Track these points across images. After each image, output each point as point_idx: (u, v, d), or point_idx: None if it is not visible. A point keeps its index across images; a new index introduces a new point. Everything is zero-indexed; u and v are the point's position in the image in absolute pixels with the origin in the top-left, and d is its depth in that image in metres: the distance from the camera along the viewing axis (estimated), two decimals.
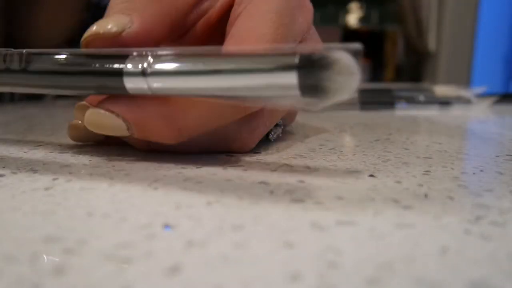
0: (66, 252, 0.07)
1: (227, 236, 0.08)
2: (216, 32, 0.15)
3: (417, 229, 0.08)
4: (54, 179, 0.11)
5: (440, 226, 0.08)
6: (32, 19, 0.35)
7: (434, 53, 1.60)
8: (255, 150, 0.15)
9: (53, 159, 0.14)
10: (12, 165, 0.13)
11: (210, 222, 0.08)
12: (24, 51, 0.12)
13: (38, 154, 0.14)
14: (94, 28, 0.12)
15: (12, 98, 0.42)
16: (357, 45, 0.09)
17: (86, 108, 0.13)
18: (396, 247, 0.07)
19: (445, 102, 0.34)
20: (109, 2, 0.13)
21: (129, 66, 0.11)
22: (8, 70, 0.12)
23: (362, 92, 0.34)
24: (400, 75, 1.85)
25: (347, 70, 0.09)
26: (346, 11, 1.92)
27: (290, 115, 0.18)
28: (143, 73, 0.10)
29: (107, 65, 0.11)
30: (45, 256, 0.07)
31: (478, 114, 0.30)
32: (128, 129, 0.12)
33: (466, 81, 1.56)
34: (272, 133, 0.16)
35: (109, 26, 0.12)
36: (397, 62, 1.87)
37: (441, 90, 0.36)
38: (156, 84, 0.11)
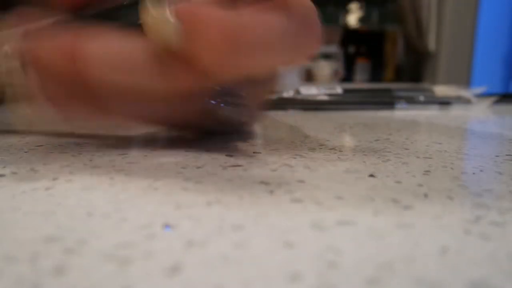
0: (66, 252, 0.07)
1: (227, 236, 0.08)
2: None
3: (417, 229, 0.08)
4: (54, 179, 0.11)
5: (440, 226, 0.08)
6: None
7: (434, 53, 1.60)
8: (255, 150, 0.15)
9: (53, 159, 0.14)
10: (12, 165, 0.13)
11: (210, 222, 0.08)
12: None
13: (38, 154, 0.14)
14: None
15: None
16: None
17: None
18: (396, 247, 0.07)
19: (445, 102, 0.34)
20: None
21: None
22: None
23: (362, 92, 0.34)
24: (400, 75, 1.85)
25: None
26: (346, 11, 1.92)
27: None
28: None
29: None
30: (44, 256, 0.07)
31: (478, 114, 0.30)
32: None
33: (466, 81, 1.56)
34: (221, 103, 0.15)
35: None
36: (397, 62, 1.87)
37: (441, 90, 0.36)
38: None
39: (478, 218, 0.08)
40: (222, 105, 0.14)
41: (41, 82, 0.12)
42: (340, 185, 0.11)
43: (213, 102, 0.14)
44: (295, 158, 0.14)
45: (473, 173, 0.12)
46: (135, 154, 0.14)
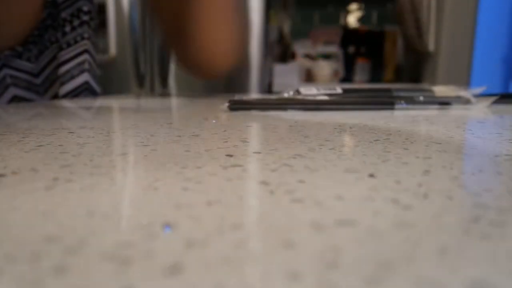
0: (66, 252, 0.07)
1: (227, 236, 0.08)
2: None
3: (417, 229, 0.08)
4: (54, 179, 0.11)
5: (440, 226, 0.08)
6: None
7: (433, 53, 1.60)
8: (255, 150, 0.15)
9: (53, 159, 0.14)
10: (12, 165, 0.13)
11: (210, 222, 0.08)
12: None
13: (38, 154, 0.14)
14: None
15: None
16: None
17: None
18: (396, 247, 0.07)
19: (444, 103, 0.34)
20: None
21: None
22: None
23: (362, 92, 0.34)
24: (400, 75, 1.85)
25: None
26: (346, 11, 1.92)
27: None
28: None
29: None
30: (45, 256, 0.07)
31: (478, 114, 0.30)
32: None
33: (465, 81, 1.56)
34: None
35: None
36: (397, 62, 1.87)
37: (441, 90, 0.36)
38: None
39: (477, 218, 0.08)
40: None
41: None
42: (340, 185, 0.11)
43: None
44: (295, 158, 0.14)
45: (473, 173, 0.12)
46: (135, 154, 0.14)
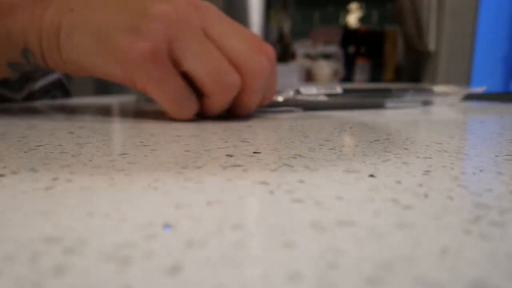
0: (66, 252, 0.07)
1: (227, 236, 0.08)
2: None
3: (417, 229, 0.08)
4: (54, 179, 0.11)
5: (440, 226, 0.08)
6: None
7: (434, 53, 1.60)
8: (255, 150, 0.15)
9: (53, 159, 0.14)
10: (12, 165, 0.13)
11: (210, 222, 0.08)
12: None
13: (38, 154, 0.14)
14: None
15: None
16: None
17: None
18: (396, 247, 0.07)
19: (427, 102, 0.34)
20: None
21: None
22: None
23: (362, 92, 0.34)
24: (400, 75, 1.85)
25: None
26: (346, 11, 1.92)
27: None
28: None
29: None
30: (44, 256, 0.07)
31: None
32: None
33: (465, 81, 1.56)
34: None
35: None
36: (397, 62, 1.87)
37: (441, 90, 0.36)
38: None
39: (478, 218, 0.08)
40: None
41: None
42: (340, 185, 0.11)
43: None
44: (295, 158, 0.14)
45: (473, 173, 0.12)
46: (135, 154, 0.14)
